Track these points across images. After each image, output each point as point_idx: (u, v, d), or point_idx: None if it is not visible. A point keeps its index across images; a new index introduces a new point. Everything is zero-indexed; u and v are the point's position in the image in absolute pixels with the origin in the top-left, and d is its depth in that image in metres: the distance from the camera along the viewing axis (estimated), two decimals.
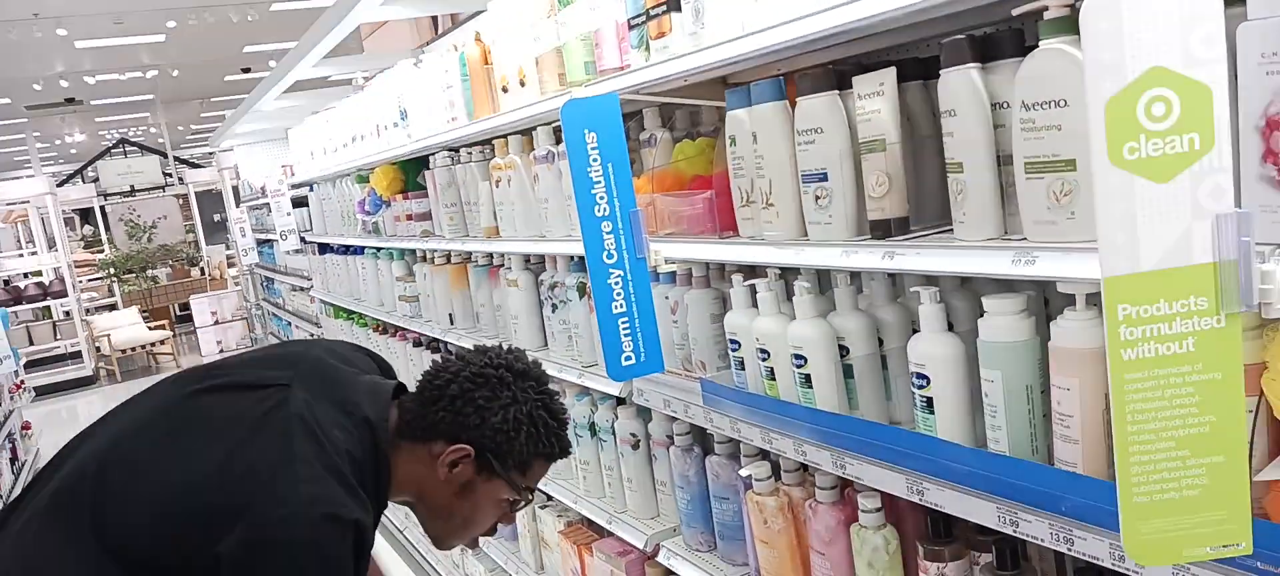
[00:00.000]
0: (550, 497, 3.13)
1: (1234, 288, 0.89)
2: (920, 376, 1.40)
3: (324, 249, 5.39)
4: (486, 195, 2.92)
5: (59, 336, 11.51)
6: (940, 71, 1.28)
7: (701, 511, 2.18)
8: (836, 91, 1.46)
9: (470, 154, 3.08)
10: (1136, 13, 0.86)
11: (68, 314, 11.67)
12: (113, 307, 13.62)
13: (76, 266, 12.68)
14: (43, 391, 11.05)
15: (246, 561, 1.32)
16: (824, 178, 1.47)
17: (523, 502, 1.61)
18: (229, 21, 11.50)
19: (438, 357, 1.66)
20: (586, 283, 2.53)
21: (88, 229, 18.46)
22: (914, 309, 1.65)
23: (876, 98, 1.39)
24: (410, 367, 4.19)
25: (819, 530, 1.74)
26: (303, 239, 5.78)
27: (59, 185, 14.78)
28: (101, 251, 16.31)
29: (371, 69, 5.20)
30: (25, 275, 12.15)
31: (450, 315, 3.49)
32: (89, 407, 10.72)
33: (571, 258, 2.67)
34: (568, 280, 2.61)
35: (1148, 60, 0.87)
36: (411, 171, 3.83)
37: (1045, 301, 1.45)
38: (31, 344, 11.15)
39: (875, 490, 1.56)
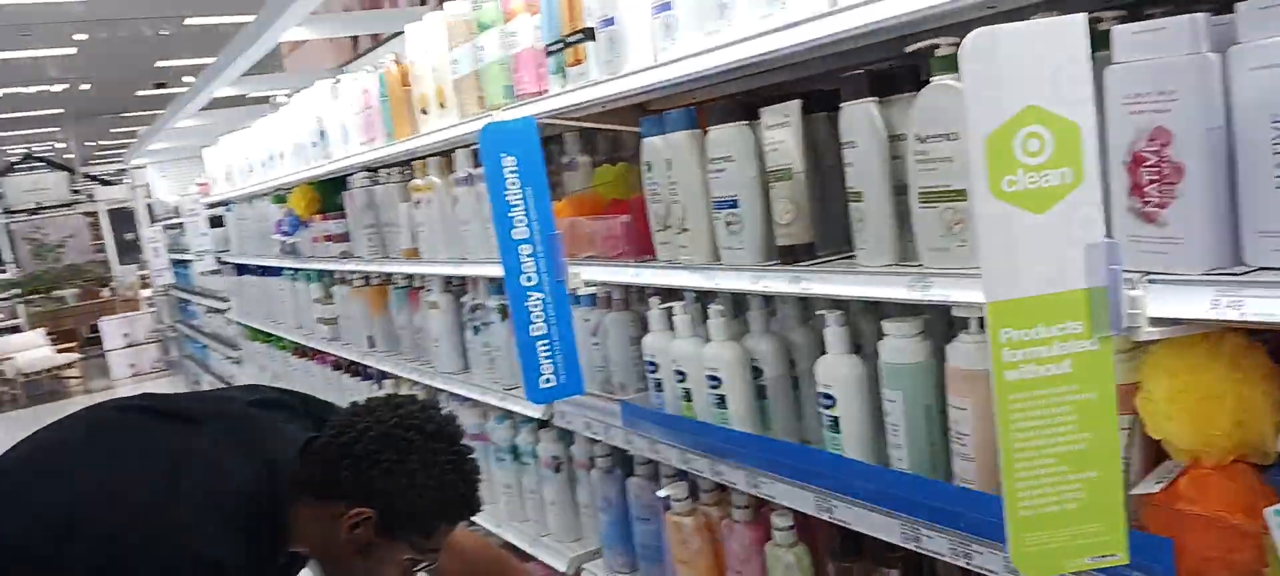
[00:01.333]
0: (472, 522, 3.11)
1: (1105, 313, 0.95)
2: (826, 397, 1.45)
3: (242, 270, 5.28)
4: (406, 216, 2.91)
5: None
6: (840, 105, 1.33)
7: (622, 533, 2.19)
8: (746, 121, 1.50)
9: (390, 175, 3.06)
10: (1012, 54, 0.92)
11: None
12: (16, 330, 13.06)
13: None
14: None
15: None
16: (734, 204, 1.51)
17: (427, 563, 1.58)
18: (141, 35, 11.19)
19: (352, 403, 1.63)
20: (508, 305, 2.54)
21: None
22: (823, 331, 1.71)
23: (783, 128, 1.43)
24: (329, 392, 4.12)
25: (735, 549, 1.77)
26: (219, 259, 5.65)
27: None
28: (4, 272, 15.63)
29: (292, 87, 5.13)
30: None
31: (370, 337, 3.46)
32: None
33: (492, 280, 2.67)
34: (489, 302, 2.61)
35: (1023, 99, 0.92)
36: (330, 192, 3.79)
37: (950, 324, 1.52)
38: None
39: (788, 509, 1.60)
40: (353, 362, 3.79)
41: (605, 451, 2.21)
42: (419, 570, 1.58)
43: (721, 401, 1.64)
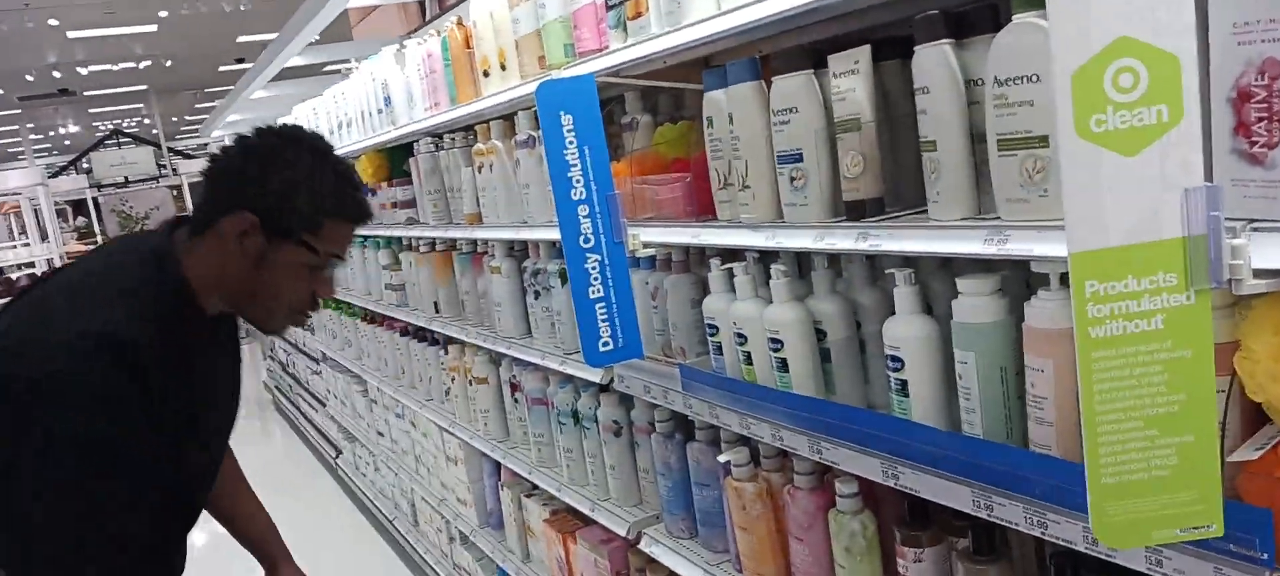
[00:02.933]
0: (536, 486, 3.12)
1: (1203, 264, 0.87)
2: (895, 359, 1.38)
3: None
4: (469, 181, 2.90)
5: None
6: (914, 48, 1.26)
7: (682, 498, 2.16)
8: (811, 70, 1.43)
9: (453, 140, 3.05)
10: None
11: None
12: None
13: (69, 258, 12.61)
14: None
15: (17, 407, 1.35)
16: (799, 158, 1.45)
17: (326, 268, 1.57)
18: (222, 11, 11.45)
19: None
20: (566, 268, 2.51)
21: (80, 221, 18.39)
22: (891, 291, 1.64)
23: (851, 76, 1.36)
24: (397, 358, 4.17)
25: (797, 515, 1.72)
26: None
27: (52, 176, 14.70)
28: (94, 243, 16.25)
29: (361, 55, 5.17)
30: (18, 267, 12.10)
31: (435, 303, 3.47)
32: None
33: (553, 244, 2.65)
34: (550, 266, 2.59)
35: (1115, 30, 0.84)
36: (397, 158, 3.81)
37: (1027, 283, 1.43)
38: None
39: (852, 475, 1.55)
40: (420, 328, 3.83)
41: (665, 416, 2.17)
42: (324, 275, 1.58)
43: (783, 365, 1.59)
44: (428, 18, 4.72)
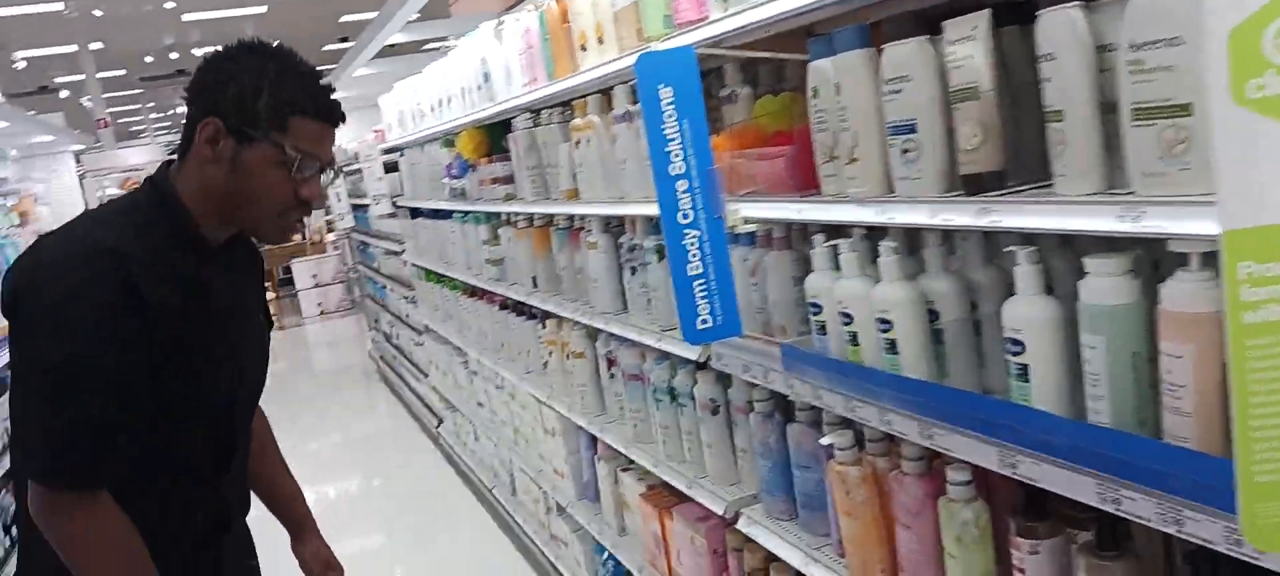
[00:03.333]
0: (632, 461, 3.11)
1: None
2: (1015, 342, 1.31)
3: (415, 213, 5.47)
4: (566, 157, 2.89)
5: None
6: (1038, 12, 1.18)
7: (782, 480, 2.12)
8: (926, 37, 1.36)
9: (551, 115, 3.04)
10: None
11: None
12: None
13: None
14: None
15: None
16: (912, 129, 1.38)
17: (305, 169, 1.58)
18: None
19: None
20: (665, 245, 2.48)
21: None
22: (1010, 270, 1.56)
23: (969, 42, 1.29)
24: (496, 331, 4.23)
25: (905, 502, 1.66)
26: (394, 203, 5.88)
27: (171, 154, 15.39)
28: None
29: (459, 32, 5.22)
30: None
31: (534, 278, 3.49)
32: None
33: (650, 219, 2.62)
34: (646, 242, 2.56)
35: None
36: (497, 134, 3.84)
37: (1154, 263, 1.34)
38: None
39: (965, 462, 1.48)
40: (518, 302, 3.86)
41: (764, 396, 2.13)
42: (302, 175, 1.59)
43: (892, 346, 1.53)
44: None
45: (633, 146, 2.45)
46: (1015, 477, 1.33)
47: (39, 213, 8.38)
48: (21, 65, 13.66)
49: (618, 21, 2.28)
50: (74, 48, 12.79)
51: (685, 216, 1.80)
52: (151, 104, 20.61)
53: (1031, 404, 1.31)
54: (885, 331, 1.53)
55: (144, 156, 12.42)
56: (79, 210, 10.26)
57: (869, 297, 1.56)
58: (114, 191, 13.49)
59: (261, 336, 1.87)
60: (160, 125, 24.47)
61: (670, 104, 1.76)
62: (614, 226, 2.88)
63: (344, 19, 14.48)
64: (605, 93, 2.66)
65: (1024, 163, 1.32)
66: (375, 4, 13.01)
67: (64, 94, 17.33)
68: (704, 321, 1.83)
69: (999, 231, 1.30)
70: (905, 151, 1.40)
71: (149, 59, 15.99)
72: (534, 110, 3.20)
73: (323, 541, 2.09)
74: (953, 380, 1.54)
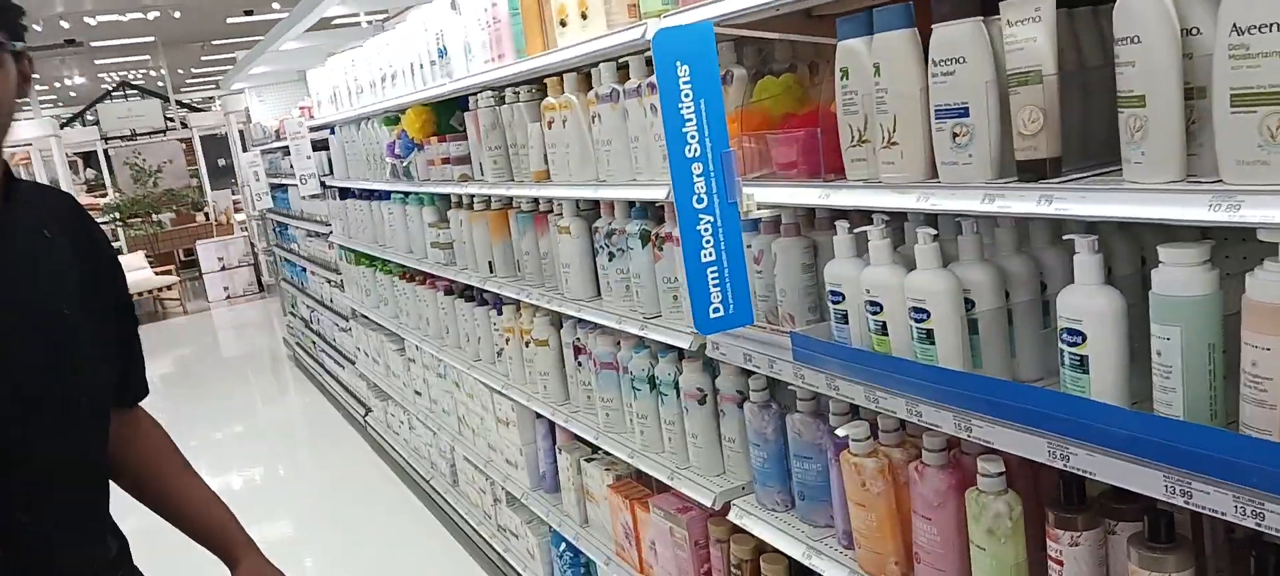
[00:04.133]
0: (596, 450, 3.04)
1: None
2: (1073, 332, 1.28)
3: (345, 193, 5.25)
4: (537, 137, 2.78)
5: None
6: None
7: (778, 470, 2.07)
8: (981, 17, 1.32)
9: (518, 94, 2.93)
10: None
11: None
12: (118, 252, 13.46)
13: None
14: None
15: None
16: (964, 113, 1.34)
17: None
18: None
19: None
20: (650, 231, 2.41)
21: (90, 173, 18.24)
22: (1041, 259, 1.54)
23: (1031, 23, 1.25)
24: (442, 317, 4.08)
25: (925, 494, 1.63)
26: (323, 183, 5.63)
27: (61, 127, 14.53)
28: (104, 195, 16.11)
29: (396, 7, 5.01)
30: None
31: (490, 263, 3.37)
32: None
33: (631, 203, 2.54)
34: (629, 227, 2.48)
35: None
36: (444, 112, 3.69)
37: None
38: None
39: (996, 452, 1.46)
40: (467, 287, 3.73)
41: (760, 385, 2.08)
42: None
43: (928, 337, 1.49)
44: None
45: (617, 127, 2.36)
46: (1066, 469, 1.31)
47: None
48: None
49: None
50: (20, 7, 11.87)
51: (700, 201, 1.73)
52: (37, 75, 19.39)
53: (1088, 395, 1.28)
54: (921, 321, 1.49)
55: (33, 131, 11.64)
56: None
57: (902, 286, 1.51)
58: None
59: (55, 334, 1.41)
60: (47, 98, 23.08)
61: (687, 83, 1.69)
62: (586, 210, 2.79)
63: None
64: (583, 71, 2.56)
65: (1083, 149, 1.29)
66: None
67: None
68: (716, 311, 1.77)
69: (1061, 218, 1.26)
70: (955, 136, 1.35)
71: (37, 27, 15.00)
72: (496, 88, 3.07)
73: (266, 561, 1.72)
74: (986, 370, 1.51)
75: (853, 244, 1.65)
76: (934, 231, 1.48)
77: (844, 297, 1.66)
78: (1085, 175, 1.26)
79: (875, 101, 1.48)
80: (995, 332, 1.49)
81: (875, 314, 1.58)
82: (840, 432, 1.74)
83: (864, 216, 1.66)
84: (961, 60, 1.33)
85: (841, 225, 1.66)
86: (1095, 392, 1.27)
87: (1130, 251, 1.47)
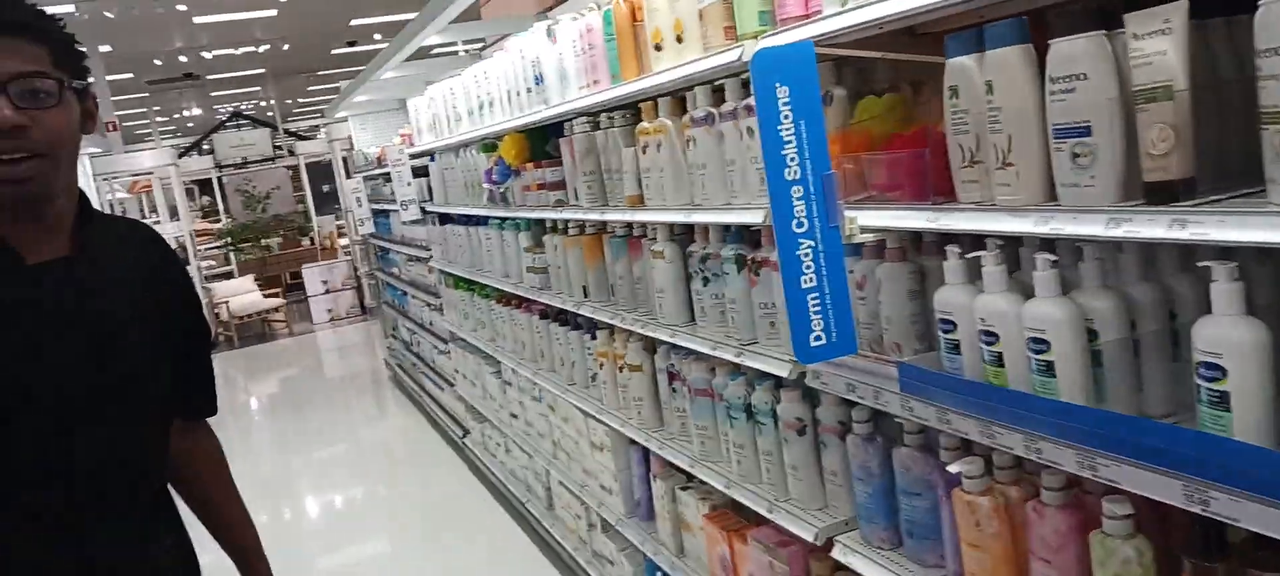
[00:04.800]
0: (692, 478, 2.99)
1: None
2: (1212, 366, 1.19)
3: (444, 219, 5.35)
4: (631, 162, 2.77)
5: None
6: (1260, 3, 1.06)
7: (884, 506, 1.99)
8: (1104, 32, 1.24)
9: (612, 119, 2.92)
10: None
11: None
12: (229, 275, 14.08)
13: (196, 236, 13.11)
14: None
15: None
16: (1086, 132, 1.26)
17: None
18: None
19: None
20: (746, 255, 2.36)
21: (205, 199, 19.14)
22: (1170, 286, 1.44)
23: (1161, 37, 1.17)
24: (535, 339, 4.10)
25: (1045, 535, 1.54)
26: (422, 209, 5.76)
27: (179, 156, 15.29)
28: (218, 221, 16.86)
29: (492, 35, 5.11)
30: None
31: (584, 287, 3.37)
32: None
33: (727, 228, 2.50)
34: (723, 252, 2.44)
35: None
36: (539, 139, 3.72)
37: None
38: None
39: (1125, 494, 1.36)
40: (562, 311, 3.74)
41: (864, 416, 2.01)
42: None
43: (1048, 368, 1.40)
44: None
45: (712, 151, 2.33)
46: (1205, 514, 1.21)
47: None
48: None
49: (703, 19, 2.16)
50: (83, 50, 12.64)
51: (799, 225, 1.68)
52: (157, 107, 20.51)
53: (1230, 434, 1.18)
54: (1040, 352, 1.41)
55: (153, 160, 12.28)
56: None
57: (1020, 315, 1.43)
58: (124, 195, 13.38)
59: (113, 347, 1.52)
60: (166, 128, 24.37)
61: (786, 104, 1.64)
62: (680, 235, 2.76)
63: (353, 22, 14.38)
64: (677, 95, 2.54)
65: (1218, 169, 1.19)
66: (383, 8, 12.92)
67: None
68: (818, 339, 1.71)
69: (1197, 244, 1.17)
70: (1076, 156, 1.28)
71: (157, 62, 15.88)
72: (592, 114, 3.08)
73: None
74: (1110, 404, 1.42)
75: (965, 270, 1.57)
76: (1053, 257, 1.39)
77: (955, 326, 1.59)
78: (1222, 198, 1.17)
79: (987, 121, 1.41)
80: (1120, 365, 1.40)
81: (990, 344, 1.50)
82: (953, 469, 1.66)
83: (974, 241, 1.58)
84: (1083, 76, 1.25)
85: (953, 250, 1.58)
86: (1238, 432, 1.18)
87: (1272, 278, 1.35)
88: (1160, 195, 1.20)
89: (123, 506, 1.55)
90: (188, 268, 11.85)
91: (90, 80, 1.51)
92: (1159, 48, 1.17)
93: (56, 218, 1.48)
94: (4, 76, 1.33)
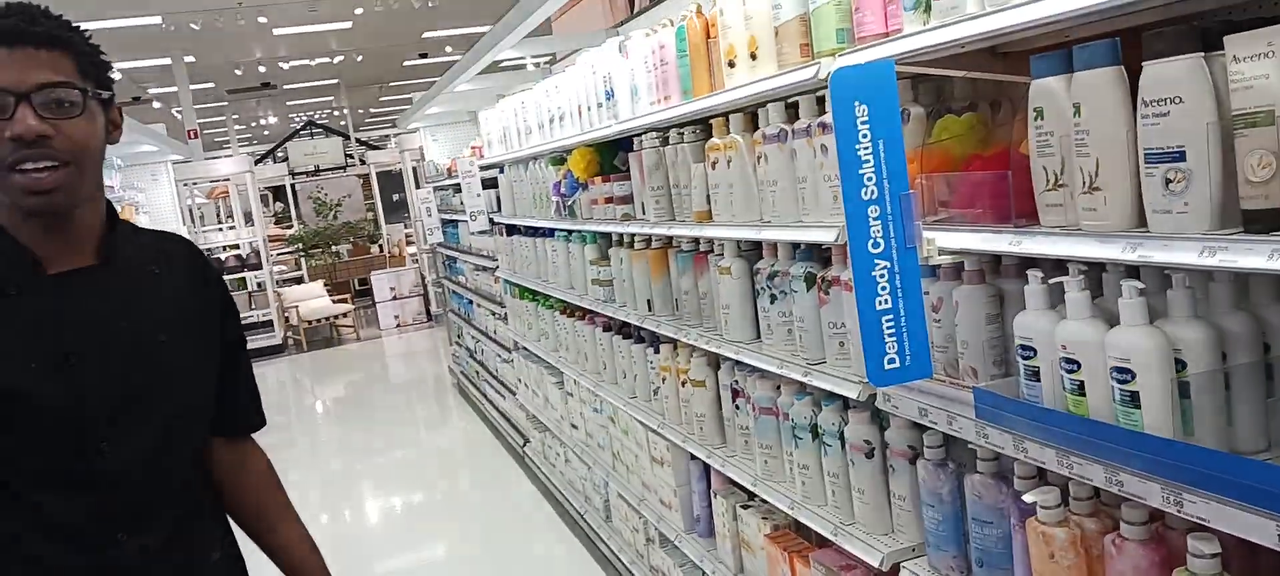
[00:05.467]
0: (753, 497, 2.97)
1: None
2: None
3: (511, 230, 5.41)
4: (700, 177, 2.77)
5: (253, 306, 12.26)
6: None
7: (954, 533, 1.95)
8: (1202, 54, 1.21)
9: (681, 134, 2.93)
10: None
11: (261, 285, 12.41)
12: (299, 281, 14.42)
13: (269, 241, 13.46)
14: None
15: None
16: (1180, 157, 1.22)
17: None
18: (411, 7, 11.88)
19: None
20: (816, 273, 2.34)
21: (278, 206, 19.66)
22: (1265, 317, 1.39)
23: (1264, 60, 1.13)
24: (598, 351, 4.12)
25: (1124, 570, 1.49)
26: (491, 220, 5.84)
27: (255, 163, 15.75)
28: (290, 227, 17.30)
29: (563, 50, 5.16)
30: (225, 248, 13.01)
31: (649, 301, 3.37)
32: (278, 375, 11.38)
33: (796, 246, 2.48)
34: (793, 270, 2.42)
35: None
36: (608, 154, 3.74)
37: None
38: None
39: (1213, 531, 1.31)
40: (625, 324, 3.75)
41: (936, 441, 1.97)
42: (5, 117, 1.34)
43: (1133, 399, 1.36)
44: (635, 11, 4.65)
45: (784, 167, 2.31)
46: None
47: (139, 222, 8.55)
48: (117, 76, 14.08)
49: (779, 36, 2.15)
50: (167, 61, 13.12)
51: (876, 245, 1.66)
52: (236, 116, 21.16)
53: None
54: (1124, 382, 1.37)
55: (231, 167, 12.67)
56: (174, 218, 10.48)
57: (1103, 343, 1.40)
58: (202, 200, 13.81)
59: (148, 359, 1.52)
60: (243, 136, 25.12)
61: (865, 122, 1.63)
62: (747, 251, 2.75)
63: (426, 35, 14.66)
64: (748, 112, 2.54)
65: None
66: (455, 21, 13.14)
67: (156, 105, 17.86)
68: (892, 361, 1.69)
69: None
70: (1169, 181, 1.24)
71: (237, 71, 16.38)
72: (661, 129, 3.09)
73: None
74: (1198, 439, 1.36)
75: (1046, 295, 1.54)
76: (1140, 284, 1.35)
77: (1035, 353, 1.55)
78: None
79: (1074, 143, 1.38)
80: (1210, 397, 1.35)
81: (1071, 372, 1.46)
82: (1028, 498, 1.62)
83: (1055, 266, 1.55)
84: (1178, 100, 1.22)
85: (1034, 274, 1.55)
86: None
87: None
88: (1260, 224, 1.16)
89: (155, 519, 1.53)
90: (260, 272, 12.15)
91: (114, 89, 1.52)
92: (1261, 71, 1.14)
93: (81, 228, 1.48)
94: (28, 86, 1.34)
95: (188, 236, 11.33)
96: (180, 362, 1.57)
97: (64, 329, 1.44)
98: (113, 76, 1.52)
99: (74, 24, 1.45)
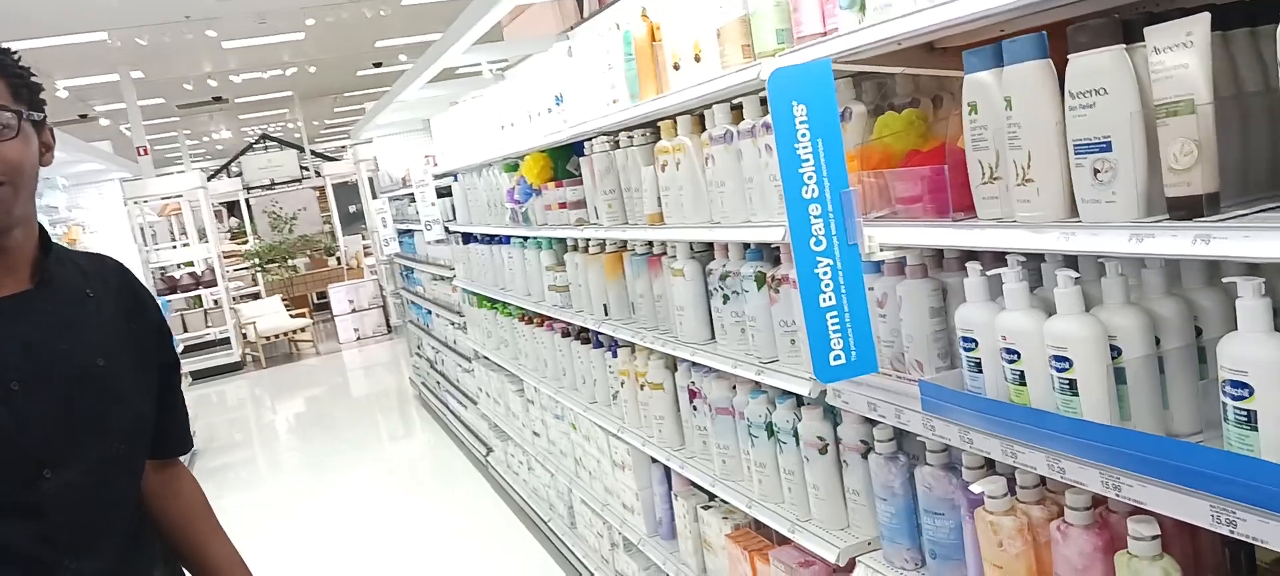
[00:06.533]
0: (713, 497, 2.97)
1: None
2: (1239, 384, 1.16)
3: (467, 238, 5.38)
4: (650, 180, 2.77)
5: (209, 323, 12.06)
6: None
7: (907, 526, 1.97)
8: (1123, 45, 1.23)
9: (631, 138, 2.93)
10: None
11: (217, 302, 12.21)
12: (257, 296, 14.22)
13: (224, 257, 13.26)
14: (196, 376, 11.61)
15: None
16: (1106, 148, 1.24)
17: None
18: (363, 17, 11.78)
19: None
20: (765, 272, 2.35)
21: (233, 221, 19.37)
22: (1195, 302, 1.42)
23: (1182, 50, 1.15)
24: (557, 357, 4.11)
25: (1069, 556, 1.51)
26: (446, 229, 5.80)
27: (208, 179, 15.51)
28: (246, 242, 17.06)
29: (514, 56, 5.14)
30: (179, 266, 12.78)
31: (605, 305, 3.37)
32: (237, 393, 11.21)
33: (746, 245, 2.49)
34: (743, 270, 2.43)
35: None
36: (561, 158, 3.73)
37: None
38: (185, 331, 11.71)
39: (1149, 513, 1.33)
40: (583, 329, 3.74)
41: (887, 435, 1.99)
42: None
43: (1071, 387, 1.38)
44: (585, 15, 4.65)
45: (732, 168, 2.32)
46: (1233, 535, 1.18)
47: (86, 242, 8.38)
48: (63, 94, 13.80)
49: (721, 38, 2.16)
50: (115, 77, 12.89)
51: (818, 243, 1.67)
52: (187, 131, 20.82)
53: (1258, 453, 1.16)
54: (1063, 370, 1.39)
55: (183, 183, 12.45)
56: (125, 237, 10.28)
57: (1042, 332, 1.42)
58: (154, 217, 13.56)
59: (86, 384, 1.50)
60: (196, 151, 24.72)
61: (804, 122, 1.64)
62: (700, 252, 2.75)
63: (379, 44, 14.54)
64: (696, 114, 2.54)
65: (1242, 183, 1.18)
66: (408, 30, 13.04)
67: (104, 122, 17.52)
68: (837, 358, 1.70)
69: (1222, 260, 1.15)
70: (1097, 172, 1.26)
71: (187, 86, 16.12)
72: (610, 133, 3.09)
73: None
74: (1134, 423, 1.39)
75: (986, 287, 1.56)
76: (1075, 273, 1.38)
77: (977, 344, 1.57)
78: (1247, 212, 1.15)
79: (1007, 136, 1.40)
80: (1145, 382, 1.38)
81: (1012, 362, 1.48)
82: (975, 488, 1.64)
83: (996, 258, 1.57)
84: (1102, 91, 1.24)
85: (974, 267, 1.57)
86: (1265, 451, 1.15)
87: None
88: (1183, 210, 1.18)
89: (100, 543, 1.52)
90: (216, 289, 11.92)
91: (46, 113, 1.51)
92: (1181, 61, 1.16)
93: (16, 252, 1.47)
94: None
95: (140, 256, 11.03)
96: (120, 387, 1.55)
97: (4, 357, 1.43)
98: (44, 99, 1.51)
99: (4, 46, 1.44)
